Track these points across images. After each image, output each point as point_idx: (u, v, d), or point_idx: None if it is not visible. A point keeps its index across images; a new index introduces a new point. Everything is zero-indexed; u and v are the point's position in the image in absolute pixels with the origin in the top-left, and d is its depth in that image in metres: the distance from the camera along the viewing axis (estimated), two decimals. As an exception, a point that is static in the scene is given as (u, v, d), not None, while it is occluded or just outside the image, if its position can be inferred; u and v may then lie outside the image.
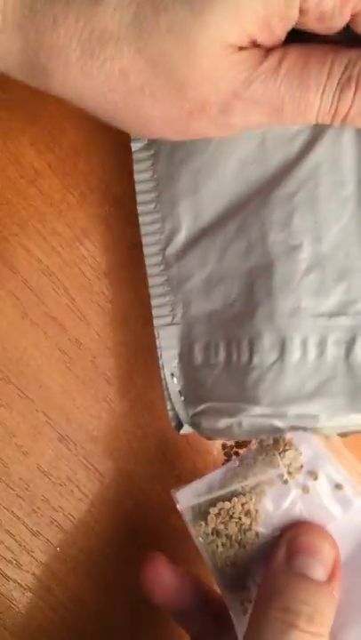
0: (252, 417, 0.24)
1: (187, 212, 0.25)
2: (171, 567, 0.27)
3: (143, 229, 0.26)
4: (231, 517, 0.25)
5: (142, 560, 0.27)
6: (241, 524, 0.25)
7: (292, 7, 0.19)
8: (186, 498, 0.25)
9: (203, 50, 0.19)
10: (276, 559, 0.23)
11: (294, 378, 0.23)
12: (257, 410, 0.23)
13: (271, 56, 0.20)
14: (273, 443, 0.25)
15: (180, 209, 0.26)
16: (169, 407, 0.26)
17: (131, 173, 0.31)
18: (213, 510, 0.25)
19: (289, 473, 0.24)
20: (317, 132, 0.23)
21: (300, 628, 0.21)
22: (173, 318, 0.26)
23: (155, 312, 0.26)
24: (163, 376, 0.26)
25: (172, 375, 0.26)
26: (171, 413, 0.26)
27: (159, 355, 0.26)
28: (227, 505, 0.25)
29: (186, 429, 0.26)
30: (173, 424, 0.26)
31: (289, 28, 0.20)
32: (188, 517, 0.25)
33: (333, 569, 0.23)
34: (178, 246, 0.26)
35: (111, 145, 0.31)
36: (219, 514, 0.25)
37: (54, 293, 0.30)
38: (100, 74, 0.20)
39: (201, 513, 0.25)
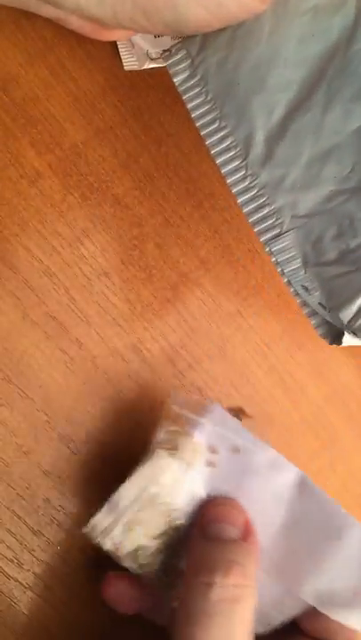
0: None
1: (258, 112, 0.24)
2: (125, 580, 0.28)
3: (214, 150, 0.25)
4: (149, 522, 0.25)
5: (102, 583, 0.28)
6: (160, 525, 0.25)
7: None
8: (99, 530, 0.25)
9: None
10: (192, 539, 0.24)
11: None
12: None
13: None
14: (167, 439, 0.25)
15: (251, 111, 0.24)
16: (315, 324, 0.23)
17: (131, 174, 0.31)
18: (131, 525, 0.25)
19: (188, 463, 0.25)
20: None
21: (218, 584, 0.21)
22: (281, 227, 0.24)
23: (257, 229, 0.24)
24: (293, 293, 0.24)
25: (305, 288, 0.23)
26: (321, 330, 0.23)
27: (280, 272, 0.24)
28: (140, 515, 0.25)
29: (347, 340, 0.23)
30: (328, 340, 0.23)
31: None
32: (108, 546, 0.25)
33: (246, 528, 0.24)
34: (259, 149, 0.24)
35: (111, 145, 0.31)
36: (133, 528, 0.25)
37: (55, 293, 0.30)
38: None
39: (121, 532, 0.25)
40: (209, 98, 0.25)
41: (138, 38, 0.30)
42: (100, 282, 0.31)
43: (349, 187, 0.22)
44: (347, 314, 0.22)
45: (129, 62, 0.31)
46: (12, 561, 0.30)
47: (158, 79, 0.32)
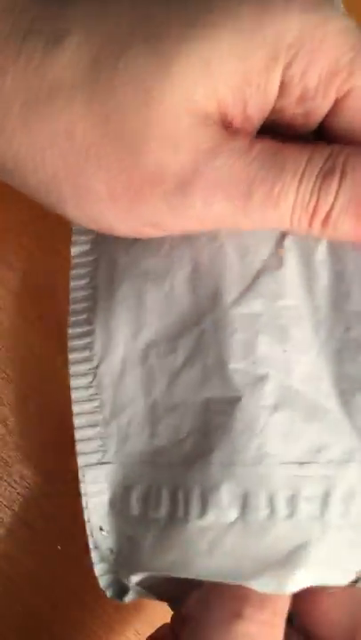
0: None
1: (126, 326, 0.21)
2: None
3: (70, 344, 0.22)
4: None
5: None
6: None
7: (272, 70, 0.16)
8: None
9: (162, 105, 0.16)
10: None
11: (260, 542, 0.18)
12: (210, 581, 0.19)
13: (242, 136, 0.17)
14: None
15: (118, 321, 0.21)
16: (98, 572, 0.21)
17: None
18: None
19: None
20: (287, 245, 0.20)
21: (248, 618, 0.18)
22: (104, 455, 0.21)
23: (79, 447, 0.22)
24: (88, 531, 0.22)
25: (101, 529, 0.22)
26: (102, 581, 0.21)
27: (84, 504, 0.22)
28: None
29: (130, 597, 0.21)
30: (110, 592, 0.21)
31: (265, 109, 0.17)
32: None
33: None
34: (114, 367, 0.21)
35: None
36: None
37: (55, 293, 0.30)
38: (44, 129, 0.17)
39: None
40: (92, 284, 0.22)
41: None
42: (100, 282, 0.31)
43: (174, 453, 0.20)
44: (127, 575, 0.21)
45: None
46: (11, 560, 0.30)
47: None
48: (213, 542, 0.19)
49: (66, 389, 0.31)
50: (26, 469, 0.30)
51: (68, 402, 0.31)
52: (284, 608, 0.19)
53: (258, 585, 0.18)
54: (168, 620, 0.33)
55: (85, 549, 0.31)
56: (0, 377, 0.30)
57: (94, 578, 0.32)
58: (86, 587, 0.31)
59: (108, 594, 0.21)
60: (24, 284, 0.30)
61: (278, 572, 0.18)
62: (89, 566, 0.32)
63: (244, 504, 0.18)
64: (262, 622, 0.18)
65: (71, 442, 0.31)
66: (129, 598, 0.21)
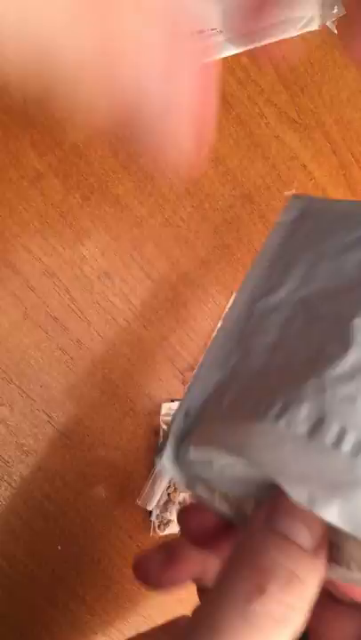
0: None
1: (294, 281, 0.26)
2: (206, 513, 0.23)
3: (243, 282, 0.27)
4: None
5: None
6: None
7: None
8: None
9: None
10: (255, 519, 0.20)
11: (314, 461, 0.20)
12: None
13: None
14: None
15: (291, 274, 0.26)
16: (163, 440, 0.23)
17: (131, 174, 0.31)
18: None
19: None
20: None
21: (271, 595, 0.17)
22: (225, 363, 0.25)
23: (210, 352, 0.25)
24: (172, 416, 0.24)
25: (187, 415, 0.24)
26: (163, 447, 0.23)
27: (185, 391, 0.24)
28: None
29: (166, 458, 0.23)
30: (158, 456, 0.23)
31: None
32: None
33: (321, 541, 0.19)
34: (270, 304, 0.26)
35: (111, 146, 0.31)
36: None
37: (55, 294, 0.30)
38: None
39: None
40: (284, 246, 0.28)
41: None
42: (100, 282, 0.31)
43: (280, 376, 0.23)
44: (184, 452, 0.22)
45: None
46: (12, 560, 0.30)
47: (158, 80, 0.32)
48: (274, 443, 0.20)
49: (67, 390, 0.31)
50: (26, 469, 0.30)
51: (65, 401, 0.31)
52: (311, 596, 0.18)
53: (290, 489, 0.19)
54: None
55: (84, 550, 0.31)
56: (0, 377, 0.30)
57: (94, 578, 0.32)
58: (86, 587, 0.31)
59: (158, 456, 0.22)
60: (24, 284, 0.30)
61: (315, 490, 0.19)
62: (88, 567, 0.32)
63: (316, 425, 0.20)
64: (286, 605, 0.17)
65: (76, 437, 0.31)
66: (165, 458, 0.22)
